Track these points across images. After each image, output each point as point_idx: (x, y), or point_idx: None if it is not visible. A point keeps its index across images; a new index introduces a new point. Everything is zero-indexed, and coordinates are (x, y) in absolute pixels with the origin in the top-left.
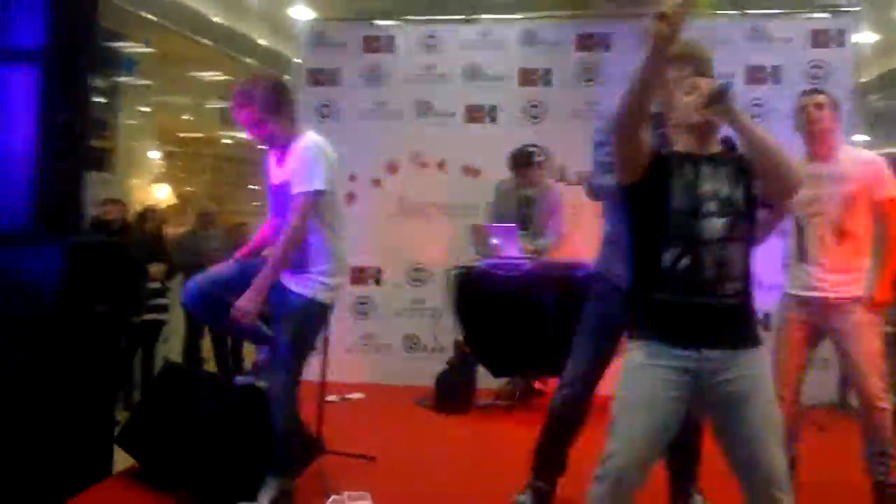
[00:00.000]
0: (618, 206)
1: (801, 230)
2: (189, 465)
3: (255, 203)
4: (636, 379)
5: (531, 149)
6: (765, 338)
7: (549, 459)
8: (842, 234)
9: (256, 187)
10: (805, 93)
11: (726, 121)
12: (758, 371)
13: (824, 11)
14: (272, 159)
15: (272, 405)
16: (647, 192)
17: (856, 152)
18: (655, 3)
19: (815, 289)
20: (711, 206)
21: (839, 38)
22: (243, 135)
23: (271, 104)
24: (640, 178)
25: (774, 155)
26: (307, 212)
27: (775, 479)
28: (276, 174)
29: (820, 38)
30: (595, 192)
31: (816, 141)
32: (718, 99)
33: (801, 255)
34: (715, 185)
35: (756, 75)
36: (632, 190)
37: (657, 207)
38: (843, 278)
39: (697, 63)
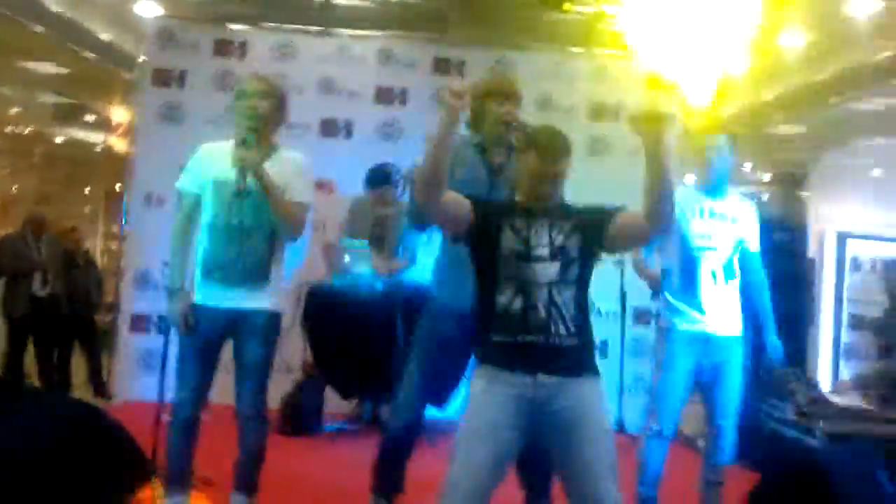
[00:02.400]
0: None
1: (692, 262)
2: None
3: (86, 207)
4: (477, 406)
5: (388, 168)
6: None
7: (388, 479)
8: (729, 271)
9: (88, 190)
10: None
11: (650, 141)
12: (591, 400)
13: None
14: (226, 157)
15: (247, 425)
16: (478, 239)
17: (738, 196)
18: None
19: (702, 325)
20: (543, 251)
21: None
22: (77, 133)
23: (284, 108)
24: (467, 229)
25: (670, 188)
26: None
27: None
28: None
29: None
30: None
31: (712, 179)
32: (660, 121)
33: (689, 289)
34: (547, 232)
35: (598, 112)
36: (463, 238)
37: (489, 252)
38: (729, 316)
39: (514, 99)
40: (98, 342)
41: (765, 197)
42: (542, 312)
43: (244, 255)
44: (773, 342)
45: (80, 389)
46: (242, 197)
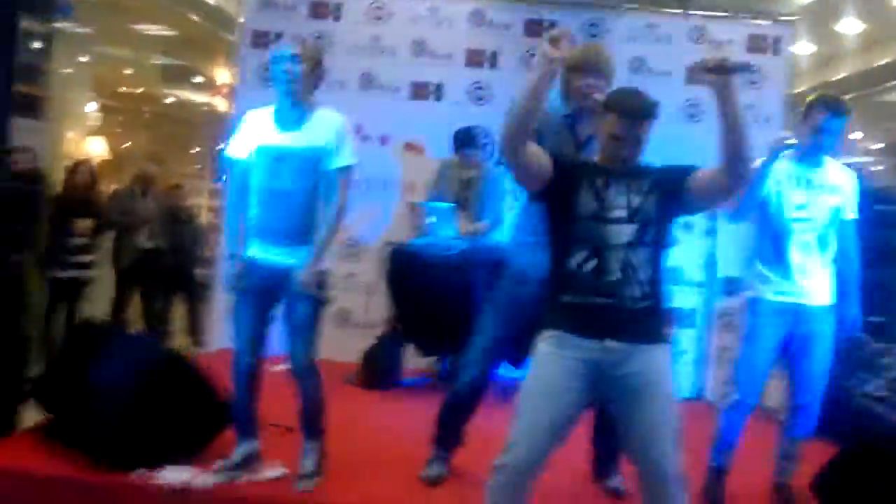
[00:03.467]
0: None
1: (786, 233)
2: (100, 424)
3: (196, 166)
4: (542, 369)
5: (475, 130)
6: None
7: (449, 432)
8: (824, 241)
9: (198, 149)
10: (823, 106)
11: (721, 90)
12: (658, 367)
13: (763, 18)
14: (268, 121)
15: (300, 380)
16: (556, 198)
17: (838, 164)
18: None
19: (792, 295)
20: (619, 212)
21: (776, 45)
22: (185, 93)
23: (322, 65)
24: (546, 186)
25: (745, 138)
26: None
27: (665, 476)
28: (284, 138)
29: (758, 44)
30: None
31: (813, 150)
32: (732, 70)
33: (781, 259)
34: (625, 194)
35: (695, 76)
36: (541, 195)
37: (565, 212)
38: (822, 286)
39: (598, 71)
40: (197, 293)
41: (874, 167)
42: (616, 275)
43: (287, 218)
44: (852, 314)
45: (179, 336)
46: (282, 162)
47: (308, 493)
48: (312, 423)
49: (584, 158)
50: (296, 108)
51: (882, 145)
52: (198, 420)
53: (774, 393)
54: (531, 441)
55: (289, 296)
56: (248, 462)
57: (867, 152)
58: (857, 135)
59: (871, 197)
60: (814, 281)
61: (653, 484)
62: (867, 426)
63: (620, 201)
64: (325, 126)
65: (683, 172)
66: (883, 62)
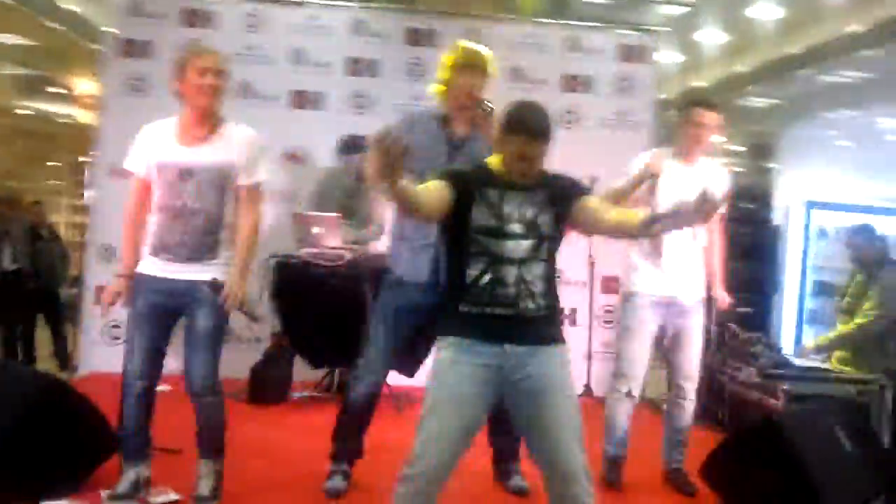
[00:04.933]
0: None
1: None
2: None
3: (51, 181)
4: (444, 376)
5: (360, 138)
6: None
7: (348, 446)
8: (696, 237)
9: (57, 164)
10: (697, 105)
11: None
12: (558, 367)
13: (632, 29)
14: (169, 135)
15: (199, 399)
16: (453, 213)
17: (712, 162)
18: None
19: (665, 289)
20: (515, 227)
21: (645, 54)
22: (40, 105)
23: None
24: (448, 209)
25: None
26: None
27: (572, 475)
28: (190, 153)
29: (627, 53)
30: None
31: (690, 150)
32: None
33: (653, 254)
34: (521, 209)
35: (570, 84)
36: (445, 217)
37: (461, 225)
38: (693, 280)
39: (481, 72)
40: (62, 315)
41: (736, 168)
42: (512, 289)
43: (190, 234)
44: (721, 294)
45: (45, 362)
46: (187, 178)
47: None
48: (211, 444)
49: (478, 169)
50: (204, 122)
51: (741, 147)
52: (79, 449)
53: (656, 384)
54: (439, 449)
55: (191, 313)
56: (137, 489)
57: (729, 154)
58: (720, 137)
59: (735, 196)
60: (686, 275)
61: (559, 483)
62: (743, 412)
63: (515, 215)
64: (235, 141)
65: (573, 196)
66: (742, 69)
